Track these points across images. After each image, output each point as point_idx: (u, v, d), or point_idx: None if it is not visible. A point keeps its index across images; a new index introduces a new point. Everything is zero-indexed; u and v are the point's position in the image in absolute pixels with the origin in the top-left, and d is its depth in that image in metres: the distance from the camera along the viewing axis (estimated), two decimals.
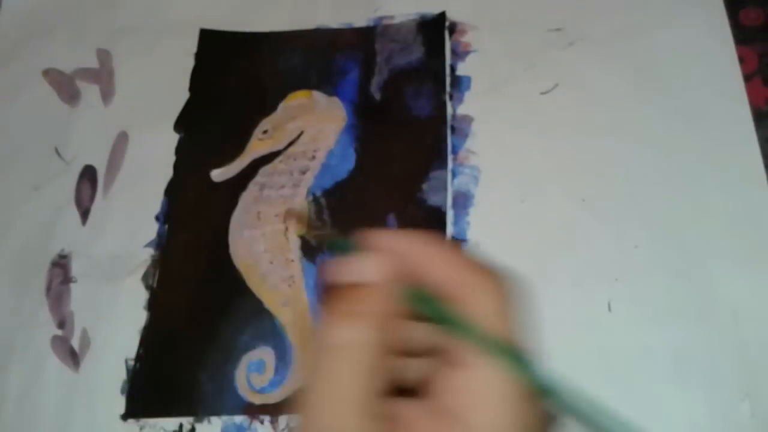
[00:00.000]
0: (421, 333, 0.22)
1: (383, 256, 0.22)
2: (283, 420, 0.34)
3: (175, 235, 0.39)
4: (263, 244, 0.38)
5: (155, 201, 0.40)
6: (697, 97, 0.39)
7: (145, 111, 0.43)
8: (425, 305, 0.21)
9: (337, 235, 0.23)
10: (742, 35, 0.40)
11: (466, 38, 0.43)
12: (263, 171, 0.40)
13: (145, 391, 0.36)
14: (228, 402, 0.35)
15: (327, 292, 0.21)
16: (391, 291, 0.21)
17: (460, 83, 0.41)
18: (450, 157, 0.39)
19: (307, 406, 0.20)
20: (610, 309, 0.34)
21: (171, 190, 0.41)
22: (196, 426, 0.35)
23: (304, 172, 0.40)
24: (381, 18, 0.44)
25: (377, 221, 0.38)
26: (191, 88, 0.44)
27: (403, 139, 0.40)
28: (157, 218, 0.40)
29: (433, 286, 0.21)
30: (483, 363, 0.20)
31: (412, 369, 0.22)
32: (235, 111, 0.43)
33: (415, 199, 0.38)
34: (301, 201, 0.39)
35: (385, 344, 0.20)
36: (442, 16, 0.44)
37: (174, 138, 0.42)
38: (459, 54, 0.42)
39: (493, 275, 0.21)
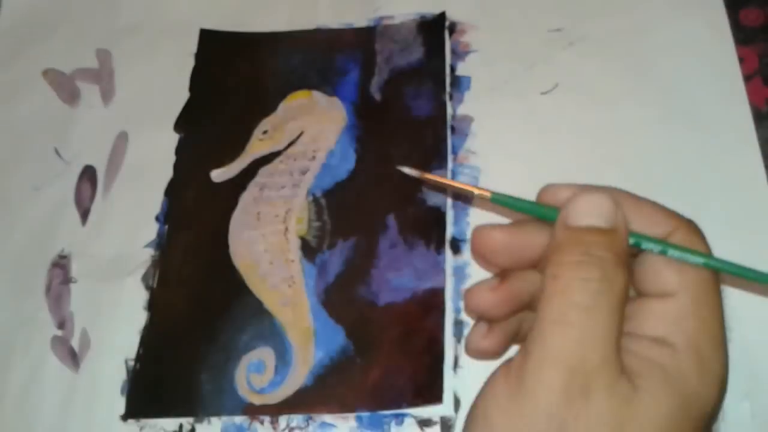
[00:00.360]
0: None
1: (613, 200, 0.24)
2: (283, 420, 0.34)
3: (175, 235, 0.39)
4: (263, 244, 0.38)
5: (155, 201, 0.40)
6: (697, 97, 0.39)
7: (145, 111, 0.43)
8: (652, 244, 0.24)
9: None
10: (742, 35, 0.40)
11: (466, 38, 0.43)
12: (263, 171, 0.40)
13: (145, 392, 0.36)
14: (228, 402, 0.35)
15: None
16: (626, 235, 0.23)
17: (460, 83, 0.41)
18: (450, 157, 0.39)
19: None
20: None
21: (171, 190, 0.41)
22: (195, 426, 0.35)
23: (304, 173, 0.40)
24: (381, 18, 0.44)
25: (377, 221, 0.38)
26: (191, 88, 0.44)
27: (403, 140, 0.40)
28: (157, 218, 0.40)
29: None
30: (684, 290, 0.23)
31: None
32: (235, 111, 0.43)
33: (415, 200, 0.38)
34: (301, 201, 0.39)
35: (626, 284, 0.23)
36: (442, 16, 0.44)
37: (174, 138, 0.42)
38: (459, 54, 0.42)
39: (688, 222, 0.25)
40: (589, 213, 0.23)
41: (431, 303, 0.35)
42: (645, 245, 0.24)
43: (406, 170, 0.28)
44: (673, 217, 0.25)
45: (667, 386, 0.22)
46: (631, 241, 0.24)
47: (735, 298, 0.34)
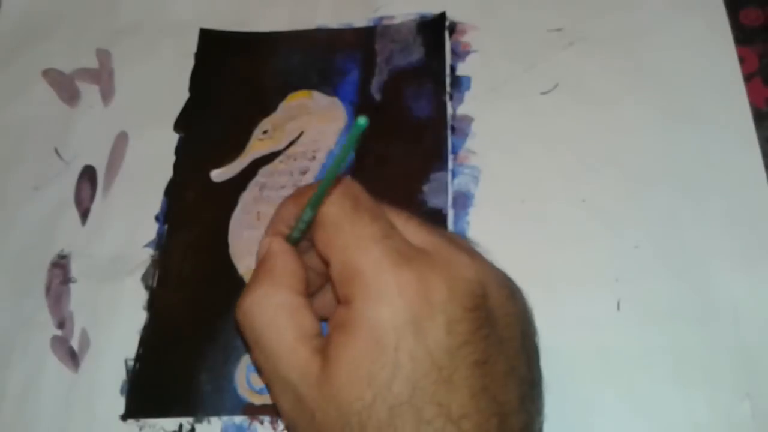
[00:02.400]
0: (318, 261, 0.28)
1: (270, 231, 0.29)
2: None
3: (175, 235, 0.39)
4: None
5: (155, 201, 0.40)
6: (697, 97, 0.39)
7: (145, 111, 0.43)
8: (296, 231, 0.28)
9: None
10: (742, 35, 0.40)
11: (466, 38, 0.43)
12: (263, 171, 0.40)
13: (145, 392, 0.36)
14: (228, 402, 0.35)
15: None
16: (276, 246, 0.28)
17: (460, 83, 0.41)
18: (450, 157, 0.39)
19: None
20: (609, 309, 0.34)
21: (171, 190, 0.41)
22: (195, 426, 0.35)
23: (304, 173, 0.40)
24: (381, 18, 0.44)
25: None
26: (191, 88, 0.44)
27: (403, 140, 0.40)
28: (157, 218, 0.40)
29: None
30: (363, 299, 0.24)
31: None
32: (235, 111, 0.43)
33: (416, 201, 0.38)
34: None
35: (292, 290, 0.27)
36: (442, 16, 0.44)
37: (174, 138, 0.42)
38: (459, 54, 0.42)
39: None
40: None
41: None
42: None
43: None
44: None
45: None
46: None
47: (735, 297, 0.34)
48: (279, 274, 0.27)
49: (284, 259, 0.27)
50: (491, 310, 0.25)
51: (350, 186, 0.27)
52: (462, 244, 0.27)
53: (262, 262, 0.28)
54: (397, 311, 0.23)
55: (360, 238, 0.25)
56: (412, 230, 0.26)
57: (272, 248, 0.28)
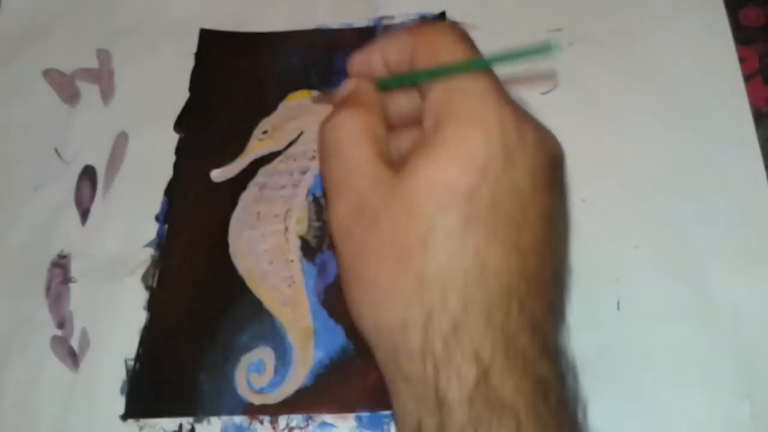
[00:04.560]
0: (405, 104, 0.28)
1: (353, 72, 0.29)
2: (282, 420, 0.34)
3: (175, 235, 0.39)
4: (263, 244, 0.38)
5: (155, 201, 0.40)
6: (697, 97, 0.39)
7: (145, 111, 0.43)
8: (396, 81, 0.28)
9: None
10: (742, 35, 0.40)
11: None
12: (263, 171, 0.40)
13: (145, 391, 0.36)
14: (227, 402, 0.35)
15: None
16: (364, 87, 0.28)
17: None
18: None
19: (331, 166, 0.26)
20: (609, 309, 0.34)
21: (171, 190, 0.41)
22: (195, 426, 0.35)
23: (304, 172, 0.40)
24: (381, 18, 0.44)
25: None
26: (191, 88, 0.44)
27: None
28: (157, 218, 0.40)
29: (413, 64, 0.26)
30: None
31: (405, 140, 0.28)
32: (235, 111, 0.43)
33: None
34: (301, 201, 0.39)
35: (377, 119, 0.27)
36: (442, 16, 0.44)
37: (174, 138, 0.42)
38: None
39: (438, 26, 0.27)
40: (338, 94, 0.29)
41: None
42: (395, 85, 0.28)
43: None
44: (412, 33, 0.27)
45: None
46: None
47: (735, 297, 0.34)
48: (366, 102, 0.27)
49: (371, 94, 0.28)
50: (563, 178, 0.26)
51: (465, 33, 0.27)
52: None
53: (348, 96, 0.28)
54: (492, 138, 0.23)
55: (470, 74, 0.25)
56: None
57: (360, 85, 0.28)
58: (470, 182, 0.23)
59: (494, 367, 0.22)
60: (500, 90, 0.25)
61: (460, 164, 0.23)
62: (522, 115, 0.25)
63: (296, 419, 0.34)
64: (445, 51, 0.25)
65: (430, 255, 0.23)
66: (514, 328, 0.23)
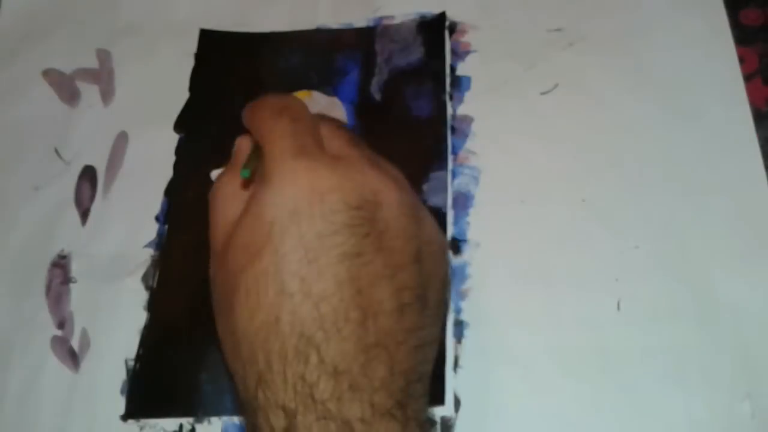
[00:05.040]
0: None
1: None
2: None
3: (175, 235, 0.39)
4: None
5: (155, 201, 0.40)
6: (697, 97, 0.39)
7: (145, 111, 0.43)
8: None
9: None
10: (742, 35, 0.40)
11: (466, 38, 0.43)
12: None
13: (145, 392, 0.36)
14: (228, 402, 0.35)
15: None
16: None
17: (460, 83, 0.41)
18: (450, 157, 0.39)
19: None
20: (609, 309, 0.34)
21: (171, 190, 0.41)
22: (196, 426, 0.35)
23: None
24: (381, 18, 0.44)
25: None
26: (191, 88, 0.44)
27: (403, 140, 0.40)
28: (157, 218, 0.40)
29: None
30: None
31: None
32: (235, 111, 0.42)
33: None
34: None
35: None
36: (442, 16, 0.44)
37: (174, 138, 0.42)
38: (459, 54, 0.42)
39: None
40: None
41: None
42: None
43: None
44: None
45: None
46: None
47: (735, 297, 0.34)
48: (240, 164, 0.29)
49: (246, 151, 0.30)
50: (381, 219, 0.26)
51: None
52: (387, 167, 0.29)
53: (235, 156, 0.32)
54: (282, 194, 0.25)
55: (274, 132, 0.28)
56: (336, 141, 0.28)
57: (239, 143, 0.32)
58: (261, 238, 0.25)
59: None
60: (302, 141, 0.27)
61: (253, 224, 0.26)
62: (324, 162, 0.27)
63: None
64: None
65: (236, 315, 0.26)
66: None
